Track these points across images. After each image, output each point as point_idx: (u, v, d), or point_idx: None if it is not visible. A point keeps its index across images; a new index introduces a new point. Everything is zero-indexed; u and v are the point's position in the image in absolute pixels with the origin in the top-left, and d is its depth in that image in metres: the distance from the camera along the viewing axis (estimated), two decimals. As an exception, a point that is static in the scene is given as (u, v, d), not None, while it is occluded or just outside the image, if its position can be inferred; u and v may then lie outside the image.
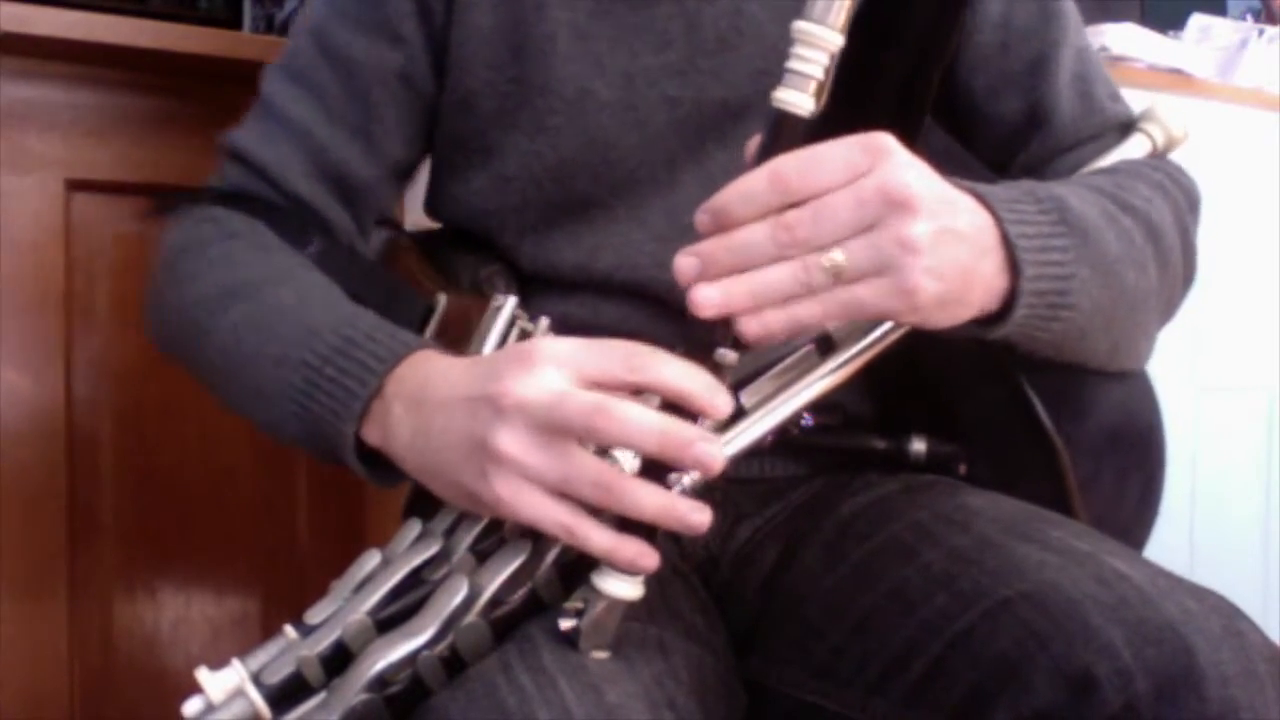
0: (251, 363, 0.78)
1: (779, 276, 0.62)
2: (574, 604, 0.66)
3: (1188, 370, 1.89)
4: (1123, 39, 1.83)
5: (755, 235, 0.62)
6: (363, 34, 0.89)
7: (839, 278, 0.61)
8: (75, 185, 1.23)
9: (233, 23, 1.54)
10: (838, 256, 0.61)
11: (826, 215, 0.61)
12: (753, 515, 0.90)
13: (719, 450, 0.62)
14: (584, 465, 0.62)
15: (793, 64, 0.63)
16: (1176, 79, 1.86)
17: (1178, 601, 0.63)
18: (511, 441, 0.62)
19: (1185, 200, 0.85)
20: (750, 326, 0.63)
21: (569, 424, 0.61)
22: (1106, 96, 0.91)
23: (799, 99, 0.63)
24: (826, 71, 0.63)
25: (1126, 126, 0.90)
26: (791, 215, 0.61)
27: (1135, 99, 0.93)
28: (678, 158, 0.87)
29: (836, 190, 0.61)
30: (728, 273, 0.62)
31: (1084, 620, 0.63)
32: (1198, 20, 2.06)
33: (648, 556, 0.63)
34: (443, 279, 0.91)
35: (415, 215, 1.05)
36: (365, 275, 0.86)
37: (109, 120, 1.24)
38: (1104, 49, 1.81)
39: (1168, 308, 0.84)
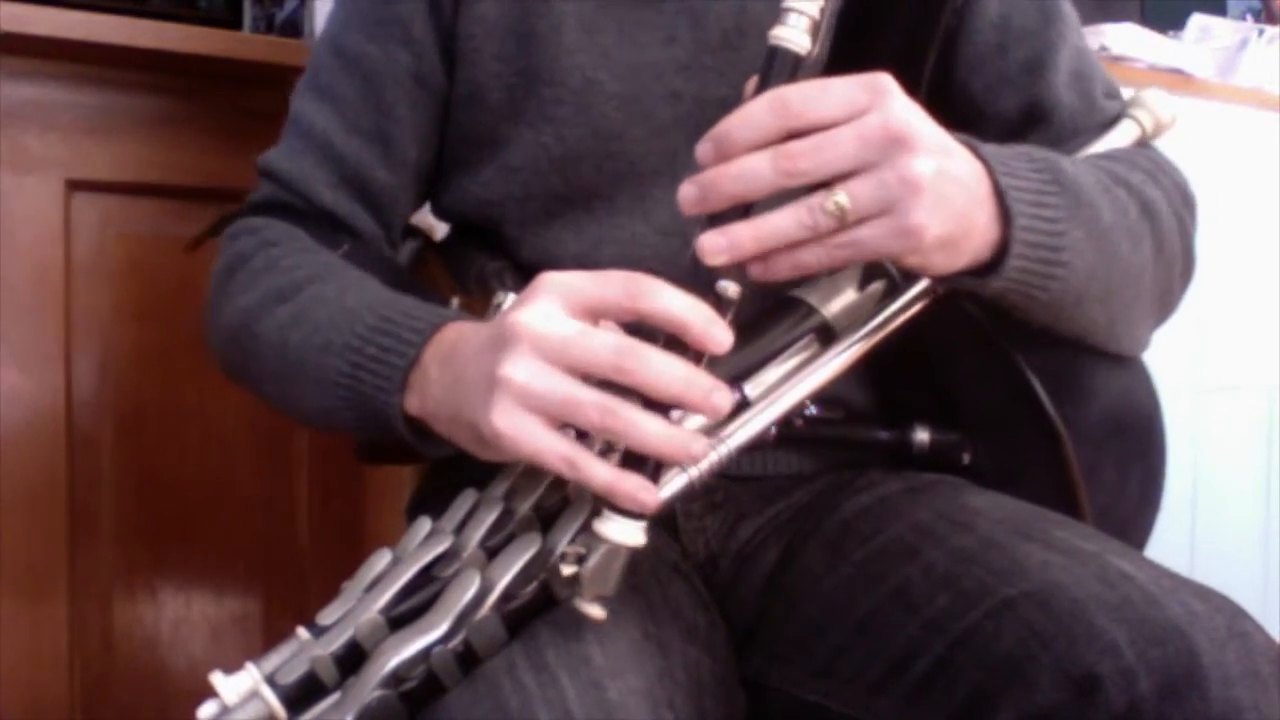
0: (299, 357, 0.78)
1: (784, 222, 0.62)
2: (575, 550, 0.65)
3: (1188, 370, 1.89)
4: (1123, 39, 1.83)
5: (756, 163, 0.62)
6: (376, 37, 0.90)
7: (843, 220, 0.62)
8: (75, 185, 1.24)
9: (233, 23, 1.54)
10: (841, 198, 0.61)
11: (829, 146, 0.61)
12: (754, 515, 0.90)
13: (729, 400, 0.62)
14: (588, 389, 0.62)
15: (790, 3, 0.63)
16: (1176, 79, 1.86)
17: (1182, 602, 0.63)
18: (516, 368, 0.62)
19: (1179, 194, 0.85)
20: (755, 270, 0.63)
21: (592, 360, 0.61)
22: (1103, 94, 0.92)
23: (795, 36, 0.63)
24: (822, 11, 0.63)
25: (1116, 117, 0.90)
26: (793, 145, 0.61)
27: (1135, 99, 0.94)
28: (680, 151, 0.88)
29: (838, 124, 0.61)
30: (728, 201, 0.62)
31: (1088, 620, 0.63)
32: (1198, 20, 2.07)
33: (648, 492, 0.62)
34: (456, 280, 0.93)
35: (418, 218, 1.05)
36: (390, 277, 0.86)
37: (109, 120, 1.25)
38: (1104, 49, 1.81)
39: (1166, 296, 0.84)
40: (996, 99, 0.90)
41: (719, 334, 0.62)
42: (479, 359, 0.65)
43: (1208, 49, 1.99)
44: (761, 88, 0.63)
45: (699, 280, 0.63)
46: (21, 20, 1.13)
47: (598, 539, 0.64)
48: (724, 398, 0.62)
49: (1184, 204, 0.85)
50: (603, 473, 0.62)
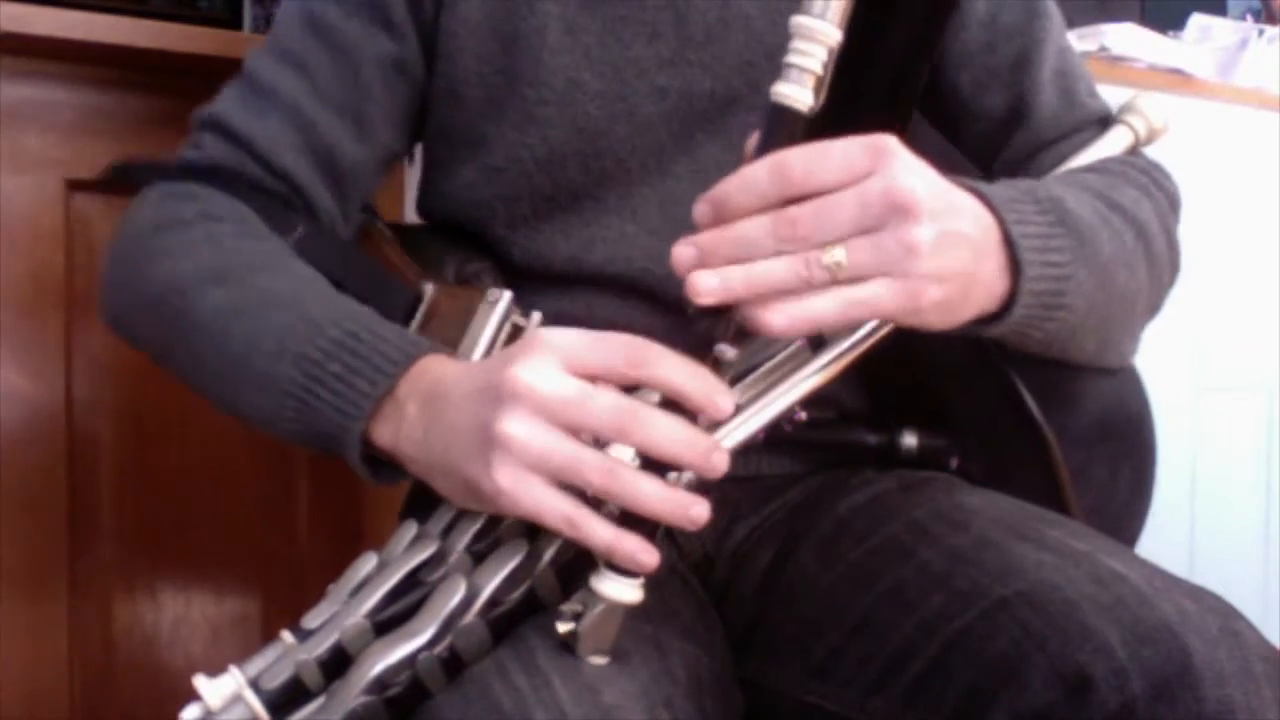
0: (241, 352, 0.75)
1: (778, 269, 0.62)
2: (572, 607, 0.65)
3: (1188, 370, 1.89)
4: (1123, 39, 1.83)
5: (756, 228, 0.61)
6: (355, 15, 0.88)
7: (836, 275, 0.61)
8: (75, 185, 1.23)
9: (233, 23, 1.54)
10: (838, 254, 0.61)
11: (830, 213, 0.61)
12: (749, 514, 0.90)
13: (727, 458, 0.63)
14: (590, 450, 0.62)
15: (792, 58, 0.62)
16: (1176, 79, 1.86)
17: (1174, 602, 0.63)
18: (517, 426, 0.62)
19: (1167, 202, 0.86)
20: (765, 319, 0.62)
21: (592, 421, 0.62)
22: (1085, 93, 0.93)
23: (798, 93, 0.62)
24: (825, 67, 0.63)
25: (1106, 120, 0.91)
26: (794, 211, 0.61)
27: (1134, 99, 0.94)
28: (667, 148, 0.88)
29: (839, 189, 0.61)
30: (726, 264, 0.62)
31: (1080, 620, 0.63)
32: (1198, 20, 2.06)
33: (648, 553, 0.63)
34: (429, 270, 0.90)
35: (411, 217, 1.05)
36: (350, 262, 0.85)
37: (109, 120, 1.24)
38: (1104, 49, 1.81)
39: (1152, 307, 0.85)
40: (984, 96, 0.91)
41: (722, 401, 0.62)
42: (471, 410, 0.65)
43: (1208, 49, 1.99)
44: (763, 146, 0.63)
45: (699, 344, 0.63)
46: (21, 20, 1.13)
47: (595, 597, 0.64)
48: (722, 458, 0.62)
49: (1171, 211, 0.86)
50: (603, 533, 0.62)
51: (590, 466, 0.61)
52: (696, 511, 0.62)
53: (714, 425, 0.68)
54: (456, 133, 0.91)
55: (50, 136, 1.22)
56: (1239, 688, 0.60)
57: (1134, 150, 0.89)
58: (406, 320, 0.83)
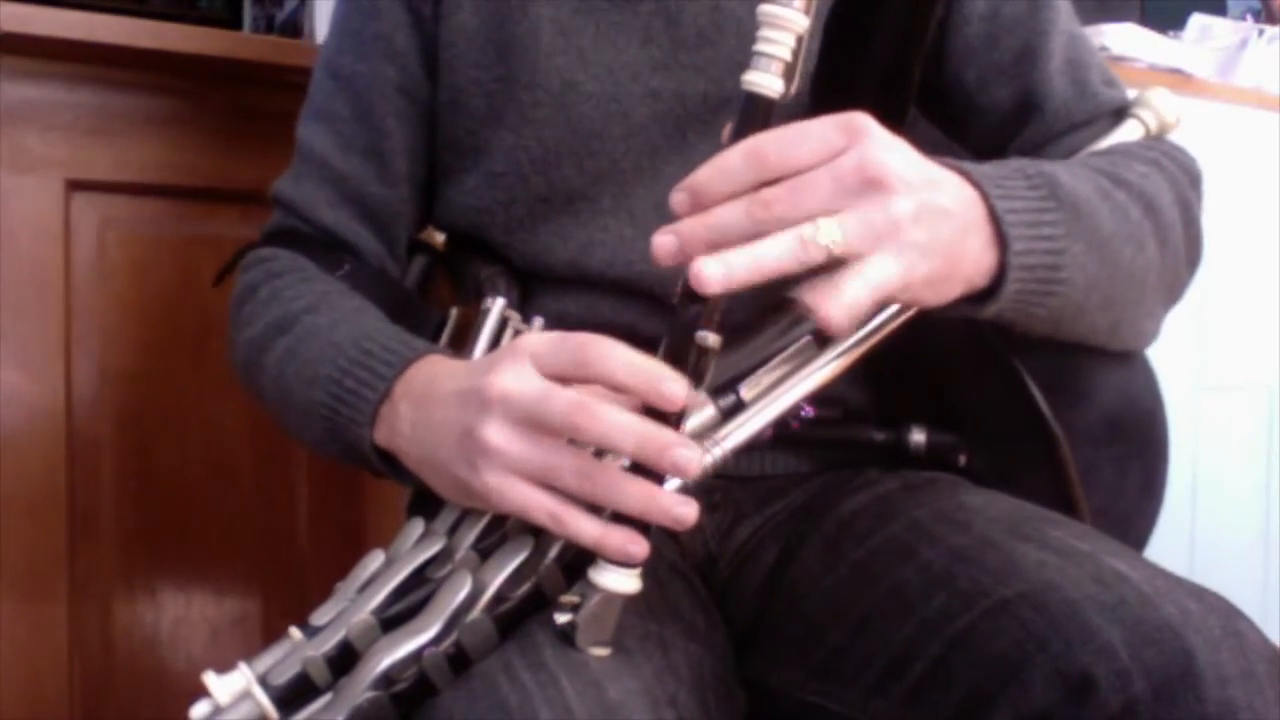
0: (292, 388, 0.81)
1: (779, 249, 0.61)
2: (570, 599, 0.66)
3: (1188, 368, 1.89)
4: (1123, 39, 1.83)
5: (732, 212, 0.62)
6: (365, 56, 0.92)
7: (833, 251, 0.61)
8: (75, 185, 1.23)
9: (233, 23, 1.54)
10: (833, 232, 0.61)
11: (804, 191, 0.61)
12: (753, 514, 0.90)
13: (695, 455, 0.62)
14: (566, 454, 0.63)
15: (760, 46, 0.63)
16: (1176, 79, 1.86)
17: (1176, 602, 0.63)
18: (496, 432, 0.63)
19: (1185, 177, 0.84)
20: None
21: (550, 420, 0.62)
22: (1100, 82, 0.91)
23: (767, 80, 0.63)
24: (794, 53, 0.63)
25: (1120, 112, 0.90)
26: (768, 192, 0.61)
27: (1135, 98, 0.93)
28: (660, 149, 0.89)
29: (814, 168, 0.61)
30: (706, 251, 0.62)
31: (1083, 621, 0.63)
32: (1198, 20, 2.07)
33: (637, 545, 0.63)
34: (456, 291, 0.95)
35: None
36: (388, 295, 0.89)
37: (109, 120, 1.24)
38: (1104, 49, 1.81)
39: (1172, 286, 0.83)
40: (989, 90, 0.90)
41: (668, 389, 0.61)
42: (453, 412, 0.67)
43: (1208, 49, 1.99)
44: (736, 134, 0.63)
45: (680, 333, 0.63)
46: (21, 20, 1.13)
47: (592, 588, 0.64)
48: (684, 454, 0.61)
49: (1190, 186, 0.84)
50: (589, 529, 0.63)
51: (567, 471, 0.63)
52: (679, 511, 0.62)
53: (719, 422, 0.68)
54: (460, 142, 0.92)
55: (50, 136, 1.22)
56: (1241, 688, 0.60)
57: None
58: (434, 341, 0.87)
